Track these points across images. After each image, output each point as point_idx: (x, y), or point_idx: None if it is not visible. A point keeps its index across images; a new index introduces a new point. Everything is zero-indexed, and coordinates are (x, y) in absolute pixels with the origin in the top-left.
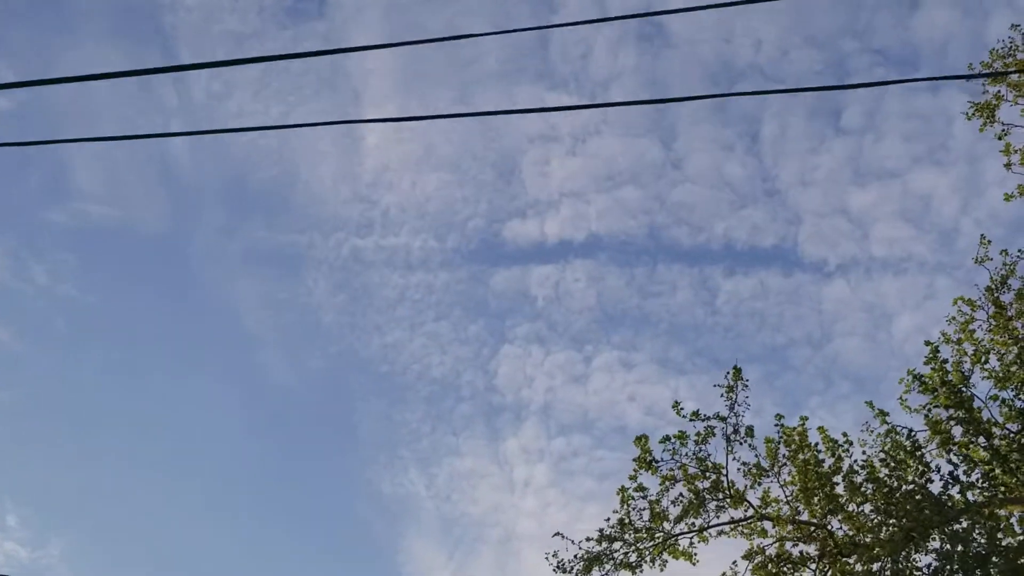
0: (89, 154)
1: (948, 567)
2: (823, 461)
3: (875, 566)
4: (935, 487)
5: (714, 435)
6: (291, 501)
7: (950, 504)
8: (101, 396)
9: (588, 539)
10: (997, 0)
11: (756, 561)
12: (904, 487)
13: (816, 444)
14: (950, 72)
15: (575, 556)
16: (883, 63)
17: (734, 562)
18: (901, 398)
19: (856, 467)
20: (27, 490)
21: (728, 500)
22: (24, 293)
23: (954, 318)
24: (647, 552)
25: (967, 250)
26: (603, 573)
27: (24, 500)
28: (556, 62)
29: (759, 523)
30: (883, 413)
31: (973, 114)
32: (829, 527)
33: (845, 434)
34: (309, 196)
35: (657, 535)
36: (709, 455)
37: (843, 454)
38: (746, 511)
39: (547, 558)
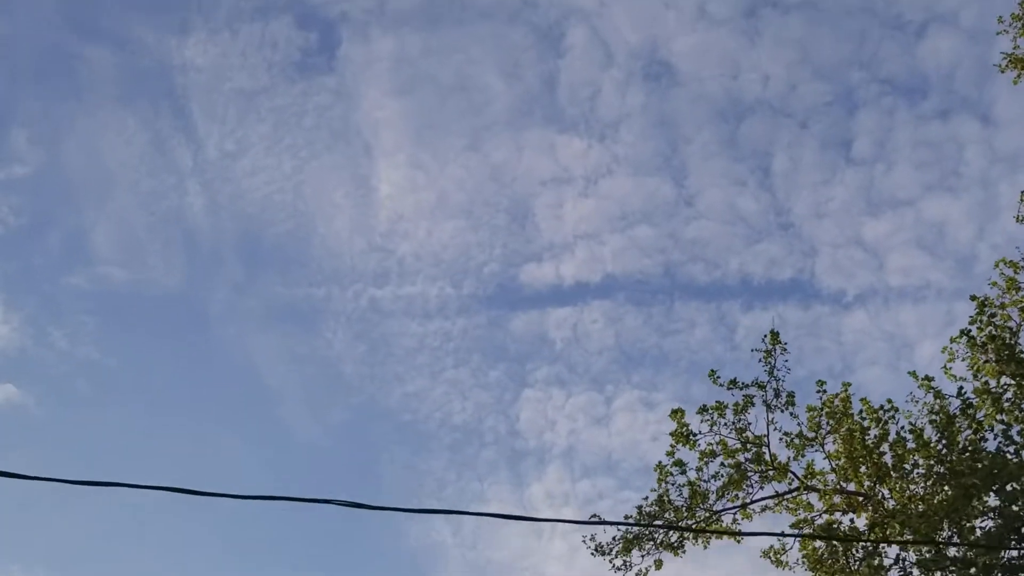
0: (106, 216)
1: (1006, 527)
2: (868, 429)
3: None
4: (989, 447)
5: (753, 404)
6: (318, 556)
7: (1007, 461)
8: (124, 456)
9: (627, 517)
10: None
11: (812, 526)
12: (956, 449)
13: (860, 412)
14: (960, 101)
15: (613, 538)
16: (891, 92)
17: (782, 532)
18: (945, 367)
19: (904, 433)
20: (49, 554)
21: (771, 472)
22: (45, 359)
23: (995, 283)
24: (688, 531)
25: (984, 274)
26: (644, 553)
27: (47, 562)
28: (564, 105)
29: (804, 496)
30: (928, 379)
31: (1007, 66)
32: (878, 496)
33: (889, 400)
34: (325, 249)
35: (698, 513)
36: (749, 424)
37: (889, 421)
38: (790, 484)
39: (584, 541)
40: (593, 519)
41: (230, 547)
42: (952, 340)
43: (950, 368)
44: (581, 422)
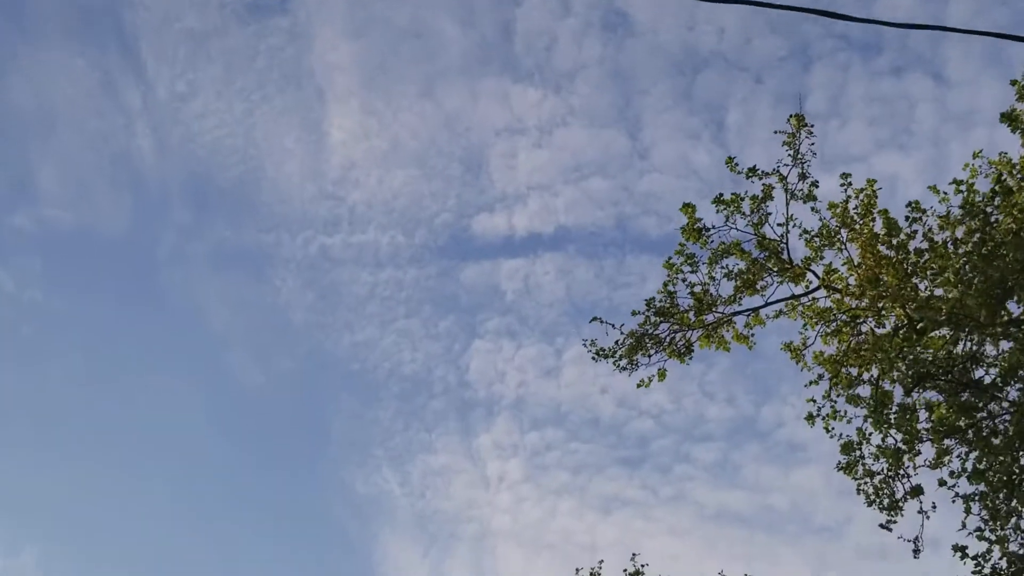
0: (52, 155)
1: None
2: (893, 233)
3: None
4: None
5: (772, 198)
6: (264, 501)
7: None
8: (69, 401)
9: (634, 313)
10: None
11: (831, 326)
12: (994, 236)
13: (884, 214)
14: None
15: (617, 341)
16: (846, 48)
17: (804, 326)
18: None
19: (932, 233)
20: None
21: (788, 273)
22: None
23: None
24: (697, 335)
25: None
26: (649, 358)
27: None
28: (520, 54)
29: (821, 303)
30: (957, 182)
31: None
32: (908, 290)
33: (917, 203)
34: (275, 194)
35: (709, 317)
36: (769, 214)
37: (915, 222)
38: (808, 286)
39: (585, 345)
40: (595, 320)
41: (178, 499)
42: (975, 155)
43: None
44: (531, 374)
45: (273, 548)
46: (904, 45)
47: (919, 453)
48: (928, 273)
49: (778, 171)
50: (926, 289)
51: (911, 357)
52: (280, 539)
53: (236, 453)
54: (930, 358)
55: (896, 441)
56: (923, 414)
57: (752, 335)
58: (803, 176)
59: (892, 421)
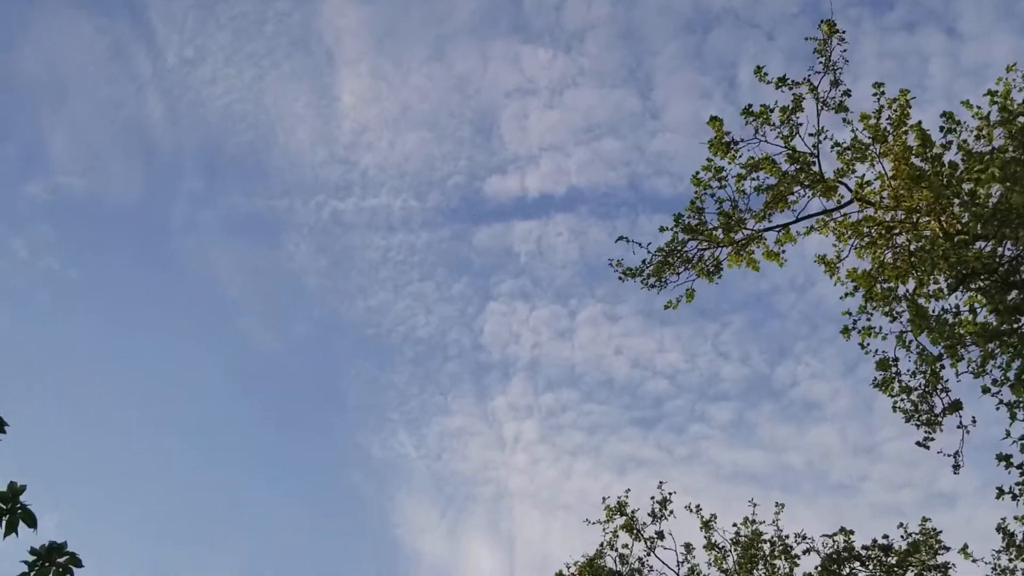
0: (64, 124)
1: None
2: (931, 144)
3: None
4: None
5: (802, 109)
6: (281, 466)
7: None
8: (86, 368)
9: (662, 229)
10: None
11: (864, 240)
12: None
13: (918, 126)
14: (926, 14)
15: (644, 261)
16: (858, 3)
17: (837, 239)
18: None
19: (970, 141)
20: (20, 467)
21: (819, 187)
22: (4, 269)
23: None
24: (727, 253)
25: None
26: (677, 276)
27: (16, 477)
28: (530, 14)
29: (852, 217)
30: (991, 93)
31: None
32: (940, 209)
33: (951, 114)
34: (286, 160)
35: (738, 235)
36: (799, 125)
37: (950, 133)
38: (839, 200)
39: (611, 265)
40: (621, 239)
41: (196, 464)
42: (1008, 69)
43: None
44: (545, 335)
45: (292, 512)
46: (916, 0)
47: (961, 359)
48: (968, 176)
49: (808, 80)
50: (965, 194)
51: (953, 258)
52: (298, 503)
53: (252, 418)
54: (974, 257)
55: (939, 347)
56: (964, 321)
57: (783, 251)
58: (835, 83)
59: (933, 325)
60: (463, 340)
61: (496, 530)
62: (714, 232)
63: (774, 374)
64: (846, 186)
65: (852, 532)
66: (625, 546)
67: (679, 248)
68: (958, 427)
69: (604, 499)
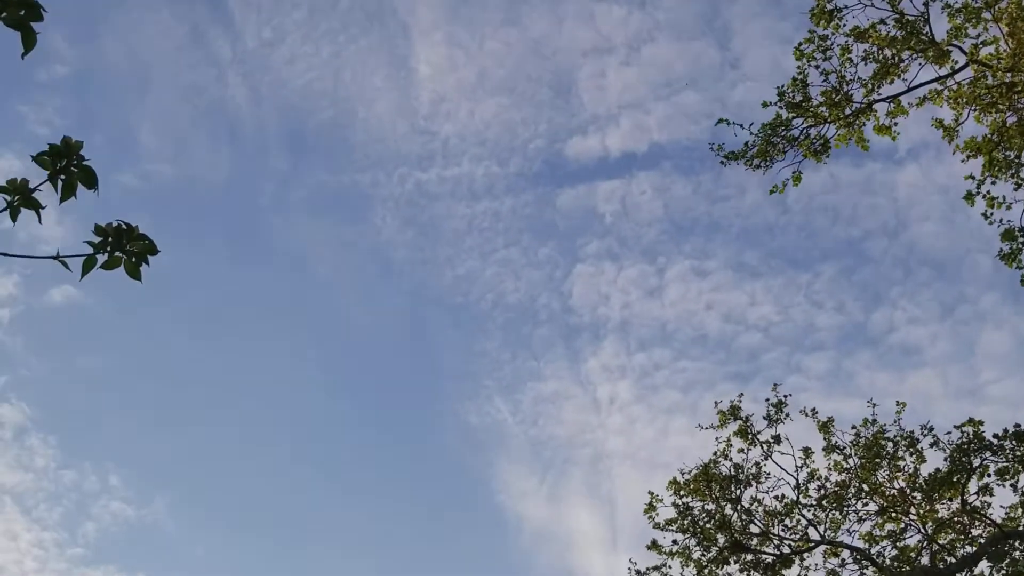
0: (149, 112)
1: None
2: None
3: None
4: None
5: None
6: (381, 441)
7: None
8: (186, 353)
9: (765, 105)
10: None
11: (983, 102)
12: None
13: None
14: None
15: (747, 143)
16: None
17: (954, 104)
18: None
19: None
20: (126, 452)
21: (931, 52)
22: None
23: None
24: (834, 130)
25: None
26: (783, 156)
27: (124, 461)
28: None
29: (967, 86)
30: None
31: None
32: None
33: None
34: (368, 134)
35: (845, 107)
36: None
37: None
38: (953, 66)
39: (712, 149)
40: (722, 121)
41: (296, 443)
42: None
43: None
44: (634, 295)
45: (393, 486)
46: None
47: None
48: None
49: None
50: None
51: None
52: (399, 476)
53: (349, 395)
54: None
55: None
56: None
57: (895, 124)
58: None
59: None
60: (552, 304)
61: (596, 493)
62: (819, 109)
63: (870, 321)
64: (960, 49)
65: (982, 423)
66: (740, 450)
67: (784, 124)
68: None
69: (716, 403)
